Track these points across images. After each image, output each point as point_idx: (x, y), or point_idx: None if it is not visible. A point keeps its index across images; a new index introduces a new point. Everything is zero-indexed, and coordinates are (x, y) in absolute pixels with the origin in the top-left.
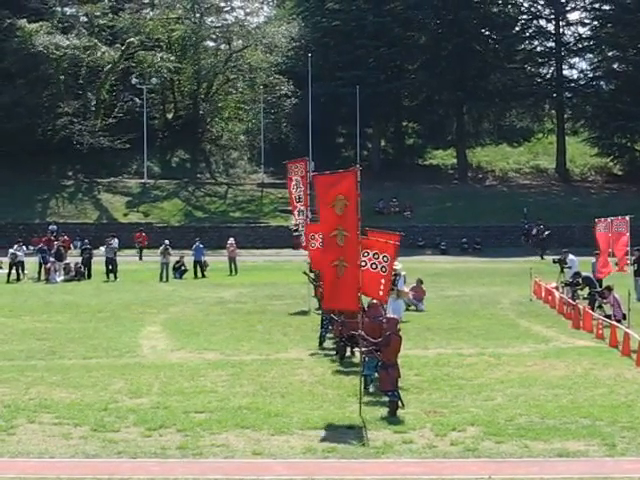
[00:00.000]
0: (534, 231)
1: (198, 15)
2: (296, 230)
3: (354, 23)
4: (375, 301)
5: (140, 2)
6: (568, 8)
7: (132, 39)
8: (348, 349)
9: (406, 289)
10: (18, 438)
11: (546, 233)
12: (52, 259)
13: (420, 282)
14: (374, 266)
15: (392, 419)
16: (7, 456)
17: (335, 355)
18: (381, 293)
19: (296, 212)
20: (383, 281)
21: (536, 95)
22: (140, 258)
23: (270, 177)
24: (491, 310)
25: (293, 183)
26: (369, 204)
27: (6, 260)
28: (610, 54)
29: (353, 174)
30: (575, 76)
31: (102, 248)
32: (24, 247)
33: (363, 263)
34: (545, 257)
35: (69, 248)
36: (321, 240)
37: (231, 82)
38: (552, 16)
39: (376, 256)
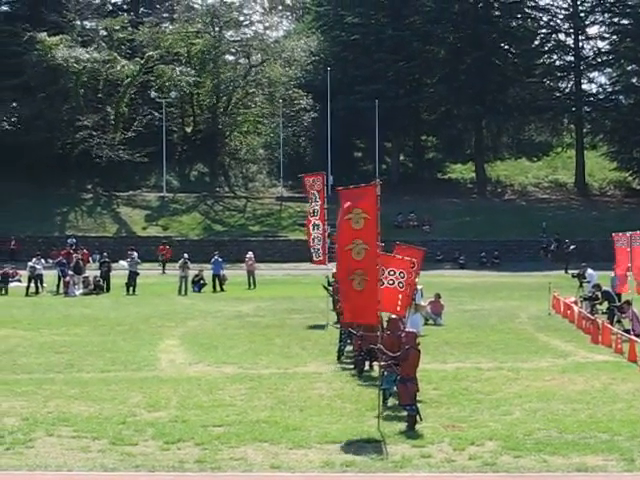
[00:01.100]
0: (552, 246)
1: (217, 29)
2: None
3: (373, 37)
4: (395, 316)
5: (159, 16)
6: (587, 22)
7: (151, 53)
8: (367, 363)
9: (423, 303)
10: (36, 451)
11: (571, 247)
12: (71, 272)
13: (438, 296)
14: (391, 282)
15: (410, 433)
16: (25, 469)
17: (354, 369)
18: (399, 308)
19: (311, 226)
20: (400, 297)
21: (555, 109)
22: (163, 271)
23: (289, 191)
24: (509, 324)
25: (310, 197)
26: (388, 218)
27: (25, 273)
28: (629, 68)
29: (373, 188)
30: (594, 90)
31: (123, 262)
32: (43, 260)
33: (380, 282)
34: (569, 271)
35: (88, 261)
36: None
37: (250, 96)
38: (571, 30)
39: (392, 273)
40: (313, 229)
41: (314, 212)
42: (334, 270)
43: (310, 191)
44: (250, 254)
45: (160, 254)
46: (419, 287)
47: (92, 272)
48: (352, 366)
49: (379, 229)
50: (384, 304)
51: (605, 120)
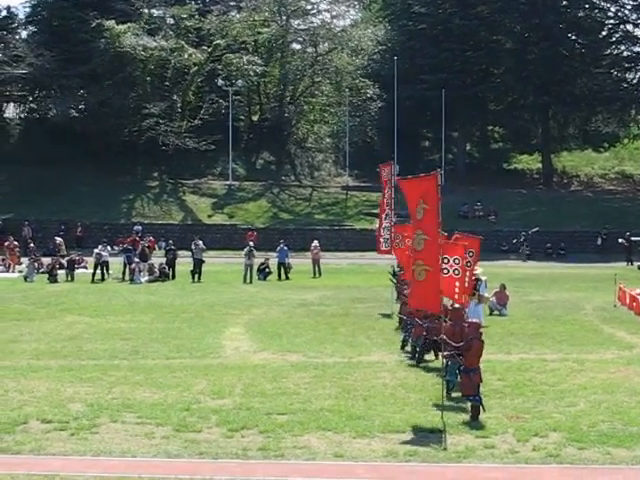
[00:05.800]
0: (599, 240)
1: (284, 18)
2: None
3: (440, 26)
4: (457, 305)
5: (227, 4)
6: None
7: (219, 41)
8: (432, 353)
9: (487, 294)
10: (101, 437)
11: (633, 239)
12: (137, 259)
13: (503, 287)
14: (446, 271)
15: (474, 424)
16: (90, 454)
17: (411, 358)
18: (457, 296)
19: (383, 215)
20: (457, 284)
21: (622, 100)
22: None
23: (355, 180)
24: (575, 316)
25: (385, 186)
26: (454, 208)
27: (91, 260)
28: None
29: (434, 178)
30: None
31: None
32: (109, 247)
33: (445, 270)
34: (635, 262)
35: (154, 249)
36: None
37: (317, 85)
38: (639, 21)
39: (446, 260)
40: (385, 218)
41: (387, 202)
42: None
43: (385, 180)
44: (315, 243)
45: (248, 240)
46: (483, 278)
47: (158, 259)
48: (414, 355)
49: (440, 219)
50: (444, 290)
51: None
